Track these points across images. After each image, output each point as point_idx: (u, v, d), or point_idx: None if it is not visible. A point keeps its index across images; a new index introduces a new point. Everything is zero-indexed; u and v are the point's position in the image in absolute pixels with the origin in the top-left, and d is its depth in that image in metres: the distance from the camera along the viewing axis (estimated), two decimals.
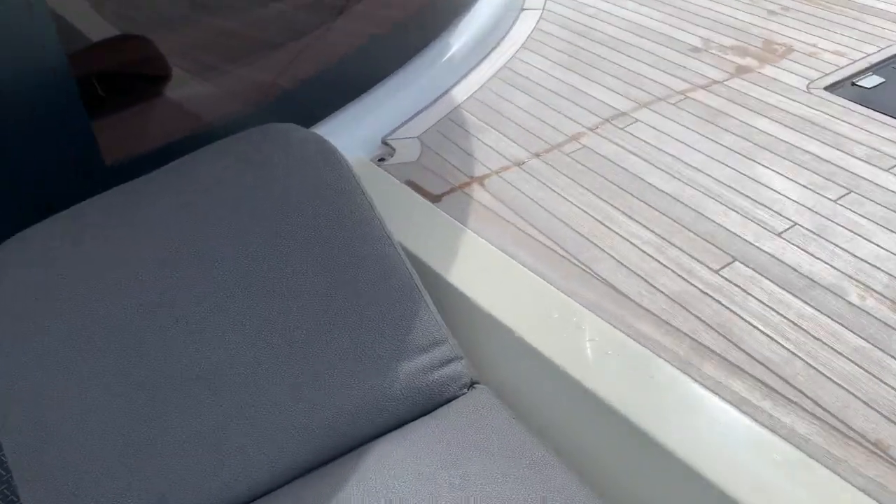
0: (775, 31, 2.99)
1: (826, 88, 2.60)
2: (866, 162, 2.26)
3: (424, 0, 2.78)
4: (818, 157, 2.30)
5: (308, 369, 1.50)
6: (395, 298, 1.74)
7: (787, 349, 1.72)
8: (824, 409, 1.58)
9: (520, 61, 2.91)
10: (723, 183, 2.22)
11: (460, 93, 2.74)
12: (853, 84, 2.61)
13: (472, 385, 1.64)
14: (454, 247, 2.06)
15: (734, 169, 2.28)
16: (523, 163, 2.38)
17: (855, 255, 1.95)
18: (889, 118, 2.41)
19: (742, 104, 2.57)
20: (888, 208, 2.09)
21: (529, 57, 2.94)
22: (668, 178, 2.26)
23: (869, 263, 1.92)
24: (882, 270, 1.90)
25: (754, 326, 1.78)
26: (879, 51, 2.78)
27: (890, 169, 2.23)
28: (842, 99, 2.54)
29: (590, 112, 2.59)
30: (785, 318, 1.79)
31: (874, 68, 2.68)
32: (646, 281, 1.92)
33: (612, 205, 2.18)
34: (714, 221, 2.09)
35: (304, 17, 2.69)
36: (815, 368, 1.67)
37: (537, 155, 2.40)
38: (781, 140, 2.38)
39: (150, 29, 2.38)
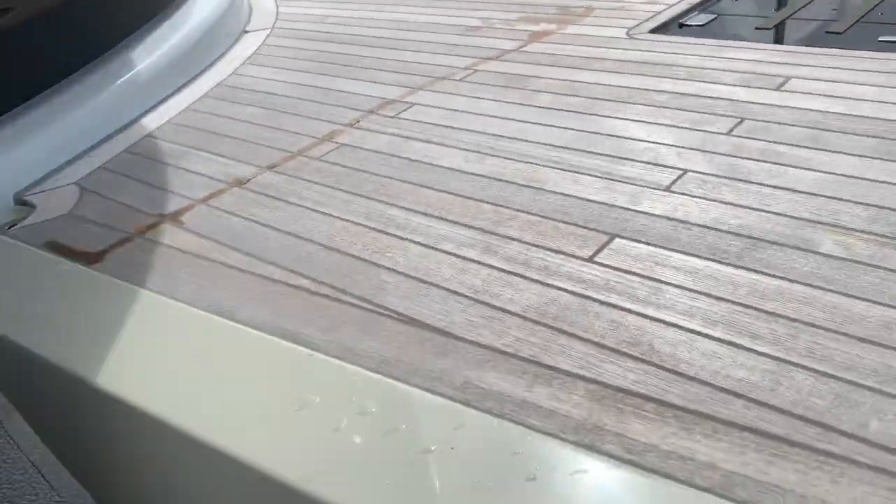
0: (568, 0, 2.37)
1: (652, 32, 1.95)
2: (746, 86, 1.57)
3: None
4: (680, 94, 1.59)
5: None
6: None
7: (769, 356, 0.88)
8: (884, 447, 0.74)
9: (243, 76, 2.05)
10: (561, 147, 1.43)
11: (151, 120, 1.81)
12: (682, 25, 2.00)
13: None
14: (120, 326, 1.08)
15: (570, 128, 1.50)
16: (248, 181, 1.46)
17: (796, 191, 1.19)
18: (749, 42, 1.79)
19: (552, 64, 1.85)
20: (805, 126, 1.38)
21: (257, 71, 2.09)
22: (478, 156, 1.43)
23: (828, 197, 1.16)
24: (852, 201, 1.15)
25: (693, 331, 0.93)
26: None
27: (780, 87, 1.55)
28: (676, 37, 1.90)
29: (347, 108, 1.75)
30: (737, 303, 0.96)
31: (699, 8, 2.09)
32: (481, 303, 1.03)
33: (398, 205, 1.30)
34: (562, 193, 1.26)
35: None
36: (833, 377, 0.83)
37: (271, 167, 1.50)
38: (621, 87, 1.66)
39: None
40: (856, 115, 1.40)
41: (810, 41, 1.79)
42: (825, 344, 0.88)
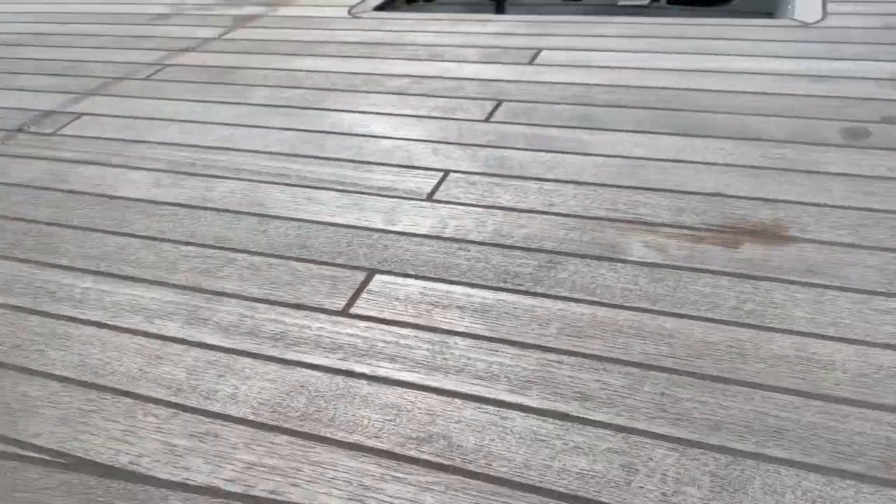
0: None
1: (377, 9, 1.68)
2: (495, 63, 1.35)
3: None
4: (422, 76, 1.33)
5: None
6: None
7: (609, 425, 0.62)
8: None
9: None
10: (286, 154, 1.09)
11: None
12: (409, 0, 1.74)
13: None
14: None
15: (296, 129, 1.17)
16: None
17: (582, 183, 0.96)
18: (486, 15, 1.59)
19: (265, 51, 1.50)
20: (571, 103, 1.18)
21: None
22: (174, 178, 1.05)
23: (620, 186, 0.95)
24: (648, 188, 0.94)
25: (501, 403, 0.65)
26: None
27: (533, 61, 1.34)
28: (405, 13, 1.65)
29: None
30: (549, 349, 0.70)
31: None
32: (187, 410, 0.67)
33: (54, 264, 0.88)
34: (295, 218, 0.93)
35: None
36: (699, 445, 0.60)
37: None
38: (352, 73, 1.37)
39: None
40: (620, 86, 1.22)
41: (550, 10, 1.63)
42: (675, 394, 0.65)
